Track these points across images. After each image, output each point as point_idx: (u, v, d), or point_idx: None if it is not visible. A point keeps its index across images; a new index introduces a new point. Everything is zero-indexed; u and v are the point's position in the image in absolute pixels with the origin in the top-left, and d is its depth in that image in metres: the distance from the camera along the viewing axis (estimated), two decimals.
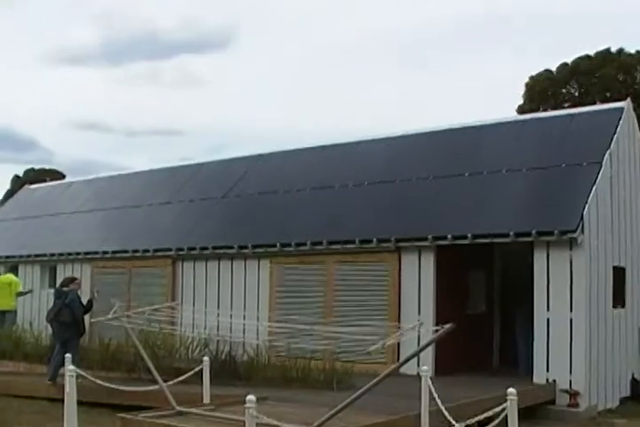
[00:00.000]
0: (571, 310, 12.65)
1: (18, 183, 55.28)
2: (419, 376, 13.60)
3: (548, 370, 12.81)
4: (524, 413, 12.15)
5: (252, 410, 7.01)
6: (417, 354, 8.02)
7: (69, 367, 9.35)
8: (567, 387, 12.56)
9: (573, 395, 12.48)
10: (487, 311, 15.84)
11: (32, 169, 65.92)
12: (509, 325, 15.03)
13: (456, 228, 13.66)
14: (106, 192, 22.71)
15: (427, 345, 7.79)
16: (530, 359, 13.22)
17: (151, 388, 10.57)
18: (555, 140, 14.64)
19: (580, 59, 52.01)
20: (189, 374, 10.98)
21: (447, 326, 7.59)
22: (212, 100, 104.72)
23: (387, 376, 8.16)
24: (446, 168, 15.40)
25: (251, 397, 7.07)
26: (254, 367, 13.24)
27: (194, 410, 9.76)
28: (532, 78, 53.02)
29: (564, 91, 51.94)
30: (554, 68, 52.85)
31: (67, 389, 9.09)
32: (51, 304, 14.38)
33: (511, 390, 7.31)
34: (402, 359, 8.35)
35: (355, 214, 15.56)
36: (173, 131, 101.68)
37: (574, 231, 12.42)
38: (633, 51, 50.95)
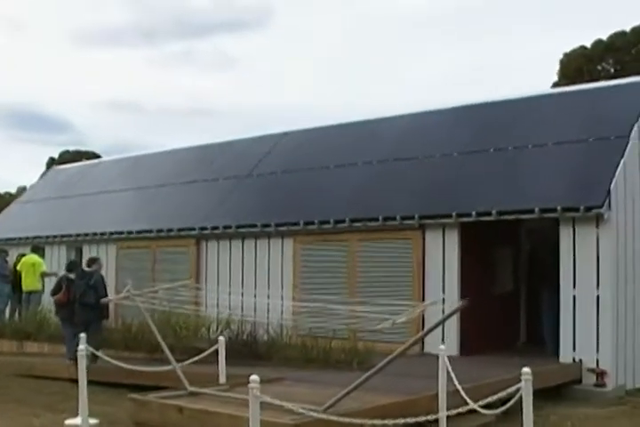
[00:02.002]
0: (597, 288, 12.35)
1: (53, 166, 55.44)
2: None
3: (574, 349, 12.53)
4: (550, 393, 12.00)
5: (255, 390, 6.82)
6: (427, 333, 7.83)
7: (80, 347, 9.26)
8: (594, 366, 12.29)
9: (600, 374, 12.21)
10: (514, 290, 15.57)
11: (67, 151, 65.85)
12: (536, 303, 14.75)
13: (481, 204, 13.38)
14: (132, 172, 22.64)
15: (438, 324, 7.59)
16: (556, 338, 12.95)
17: (165, 368, 10.43)
18: (582, 115, 14.28)
19: (616, 35, 51.09)
20: (204, 354, 10.86)
21: (460, 303, 7.32)
22: (247, 81, 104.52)
23: (398, 356, 7.95)
24: (471, 144, 15.09)
25: (254, 377, 6.88)
26: (275, 347, 13.09)
27: (206, 390, 9.63)
28: (566, 55, 52.19)
29: (599, 68, 50.99)
30: (589, 45, 51.95)
31: (79, 368, 9.01)
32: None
33: (526, 369, 7.04)
34: (413, 338, 8.09)
35: (378, 192, 15.32)
36: (208, 111, 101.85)
37: (600, 207, 12.09)
38: None
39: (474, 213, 13.22)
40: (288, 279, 15.92)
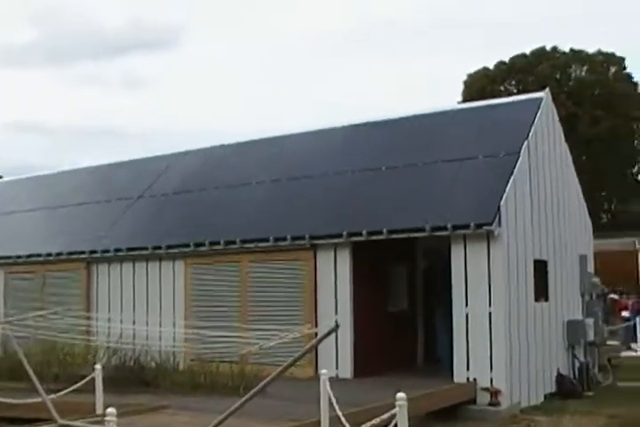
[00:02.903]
0: (490, 305, 12.22)
1: None
2: (337, 378, 13.32)
3: (468, 368, 12.35)
4: (444, 413, 11.78)
5: (111, 424, 6.30)
6: (299, 358, 7.45)
7: None
8: (488, 385, 12.11)
9: (494, 393, 12.03)
10: (410, 309, 15.39)
11: None
12: (433, 322, 14.59)
13: (372, 223, 13.16)
14: (23, 194, 21.80)
15: (309, 349, 7.22)
16: (451, 357, 12.76)
17: (35, 400, 9.82)
18: (473, 132, 14.24)
19: (517, 57, 52.24)
20: (81, 383, 10.28)
21: (332, 326, 6.99)
22: (157, 102, 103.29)
23: (271, 381, 7.58)
24: (364, 162, 14.90)
25: (111, 410, 6.37)
26: (163, 374, 12.57)
27: (77, 423, 9.07)
28: (469, 76, 53.11)
29: (501, 88, 51.96)
30: (491, 66, 52.96)
31: None
32: None
33: (400, 394, 6.75)
34: (287, 362, 7.72)
35: (270, 213, 14.98)
36: (116, 132, 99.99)
37: (491, 224, 11.98)
38: (567, 49, 51.34)
39: (364, 232, 12.98)
40: (180, 302, 15.40)
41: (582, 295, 15.75)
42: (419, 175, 13.98)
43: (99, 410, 10.03)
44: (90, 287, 17.00)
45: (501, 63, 52.12)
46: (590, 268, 16.44)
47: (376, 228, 12.95)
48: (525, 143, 13.26)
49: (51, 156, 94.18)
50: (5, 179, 27.04)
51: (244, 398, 7.65)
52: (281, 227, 14.20)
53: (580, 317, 15.27)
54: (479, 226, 12.03)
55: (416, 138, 14.95)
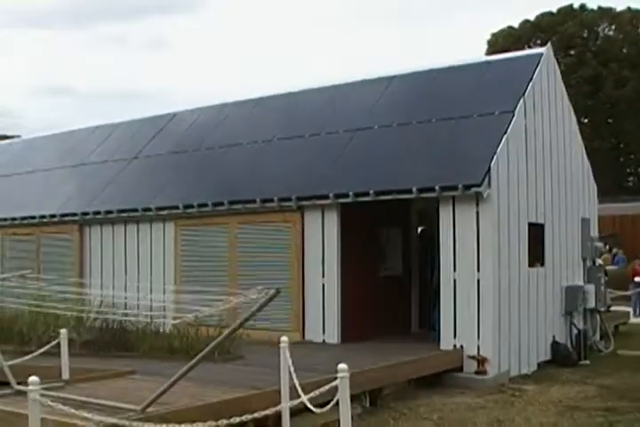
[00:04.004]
0: (478, 271, 11.74)
1: None
2: (324, 344, 12.99)
3: (455, 335, 11.92)
4: (429, 381, 11.41)
5: (34, 393, 5.92)
6: (241, 325, 7.04)
7: None
8: (475, 353, 11.69)
9: (481, 361, 11.62)
10: (405, 274, 14.95)
11: None
12: (429, 288, 14.15)
13: (359, 185, 12.68)
14: (22, 156, 21.51)
15: (252, 314, 6.78)
16: None
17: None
18: (469, 89, 13.62)
19: (543, 15, 50.94)
20: (47, 347, 9.98)
21: (273, 291, 6.57)
22: (179, 63, 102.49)
23: (216, 346, 7.24)
24: (353, 122, 14.36)
25: (34, 378, 6.00)
26: (141, 338, 12.27)
27: (31, 388, 8.72)
28: (493, 35, 51.95)
29: (526, 47, 50.64)
30: (516, 25, 51.75)
31: None
32: None
33: (342, 366, 6.30)
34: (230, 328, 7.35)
35: (259, 173, 14.52)
36: (139, 93, 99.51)
37: (479, 185, 11.46)
38: (595, 6, 49.98)
39: (351, 193, 12.51)
40: (170, 264, 15.10)
41: (584, 260, 15.18)
42: (411, 135, 13.43)
43: (64, 375, 9.77)
44: (83, 250, 16.77)
45: (526, 21, 50.83)
46: (594, 232, 15.83)
47: (362, 189, 12.47)
48: (521, 101, 12.67)
49: (76, 118, 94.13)
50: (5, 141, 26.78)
51: (188, 365, 7.37)
52: (269, 188, 13.77)
53: (580, 282, 14.74)
54: (467, 187, 11.52)
55: (410, 96, 14.37)
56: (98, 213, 16.17)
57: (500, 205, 11.99)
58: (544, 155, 13.52)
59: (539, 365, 13.04)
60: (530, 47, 50.60)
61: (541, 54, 13.69)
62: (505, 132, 12.18)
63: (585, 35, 49.90)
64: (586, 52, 48.03)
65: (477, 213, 11.75)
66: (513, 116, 12.44)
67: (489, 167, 11.61)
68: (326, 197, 12.80)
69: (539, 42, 51.43)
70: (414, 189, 11.94)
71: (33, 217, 17.49)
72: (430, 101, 13.92)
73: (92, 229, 16.67)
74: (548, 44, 14.47)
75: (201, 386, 8.95)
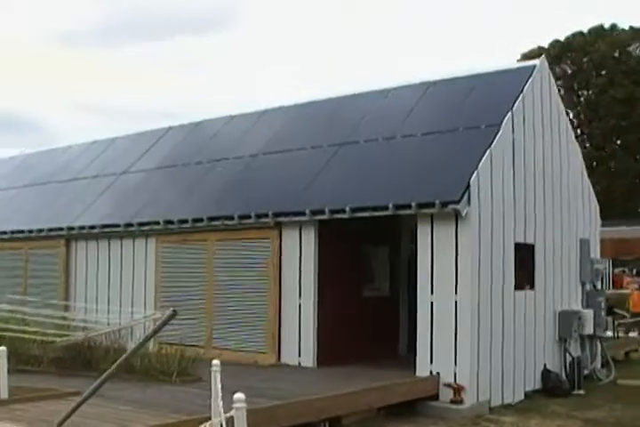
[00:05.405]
0: (456, 293, 11.06)
1: None
2: (300, 367, 12.37)
3: (431, 361, 11.24)
4: (401, 409, 10.71)
5: None
6: (141, 347, 6.52)
7: None
8: (451, 380, 10.99)
9: (457, 389, 10.90)
10: (392, 295, 14.29)
11: None
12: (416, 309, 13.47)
13: (337, 201, 12.10)
14: (19, 170, 21.32)
15: (149, 337, 6.26)
16: None
17: None
18: (456, 102, 13.02)
19: (573, 35, 50.14)
20: None
21: (169, 312, 6.02)
22: (210, 81, 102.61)
23: (116, 369, 6.68)
24: (332, 137, 13.87)
25: None
26: (104, 357, 11.75)
27: None
28: (524, 55, 51.09)
29: (557, 69, 49.87)
30: (546, 45, 50.97)
31: None
32: None
33: (238, 395, 5.72)
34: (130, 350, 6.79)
35: (242, 188, 14.09)
36: (172, 113, 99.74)
37: (457, 202, 10.81)
38: (626, 27, 49.09)
39: (326, 209, 11.93)
40: (151, 281, 14.66)
41: (583, 284, 14.40)
42: (395, 149, 12.84)
43: (3, 395, 9.31)
44: (69, 265, 16.44)
45: (556, 42, 50.06)
46: (594, 253, 15.01)
47: (340, 205, 11.89)
48: (509, 115, 12.02)
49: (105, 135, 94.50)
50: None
51: (93, 386, 6.82)
52: (247, 205, 13.25)
53: (577, 307, 13.96)
54: (445, 204, 10.87)
55: (395, 110, 13.79)
56: (83, 227, 15.80)
57: (482, 224, 11.31)
58: (535, 171, 12.82)
59: (526, 394, 12.27)
60: (560, 68, 49.91)
61: (534, 66, 13.05)
62: (489, 147, 11.53)
63: (616, 55, 48.95)
64: (618, 73, 47.09)
65: (456, 231, 11.09)
66: (499, 130, 11.80)
67: (468, 183, 10.96)
68: (303, 213, 12.24)
69: (569, 62, 50.72)
70: (390, 206, 11.32)
71: (21, 231, 17.17)
72: (418, 115, 13.34)
73: (77, 245, 16.29)
74: (542, 56, 13.77)
75: (137, 410, 8.46)
